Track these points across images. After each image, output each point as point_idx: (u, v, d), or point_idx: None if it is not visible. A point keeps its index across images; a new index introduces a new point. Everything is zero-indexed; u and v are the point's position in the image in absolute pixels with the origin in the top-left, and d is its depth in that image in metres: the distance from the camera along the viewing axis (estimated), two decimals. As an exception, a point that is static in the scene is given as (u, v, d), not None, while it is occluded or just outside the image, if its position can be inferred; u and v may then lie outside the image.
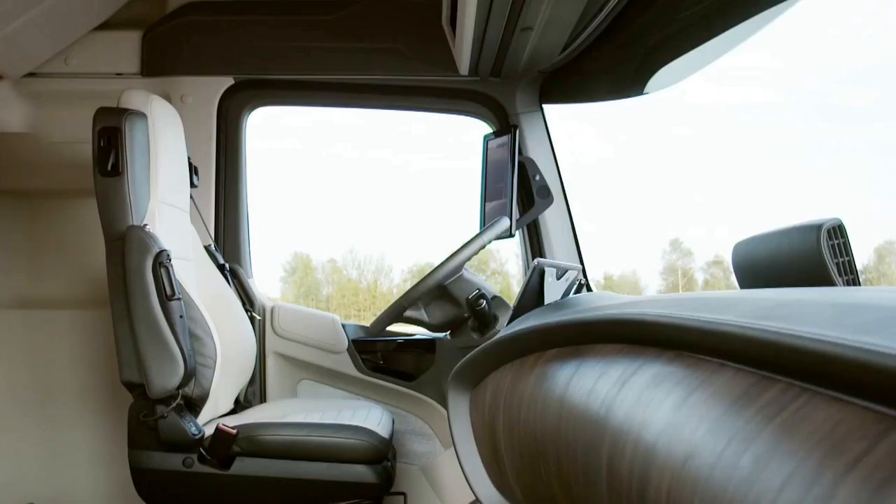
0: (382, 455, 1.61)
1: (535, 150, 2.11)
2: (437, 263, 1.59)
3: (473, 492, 1.06)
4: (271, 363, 2.07)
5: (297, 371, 2.08)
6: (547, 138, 2.13)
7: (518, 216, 1.97)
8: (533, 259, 1.40)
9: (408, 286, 2.45)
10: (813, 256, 0.82)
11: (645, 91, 2.01)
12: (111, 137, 1.55)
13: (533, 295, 1.15)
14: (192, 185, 1.89)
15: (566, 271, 1.21)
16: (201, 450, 1.55)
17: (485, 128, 2.19)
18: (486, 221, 2.01)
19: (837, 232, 0.83)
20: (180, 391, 1.54)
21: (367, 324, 2.12)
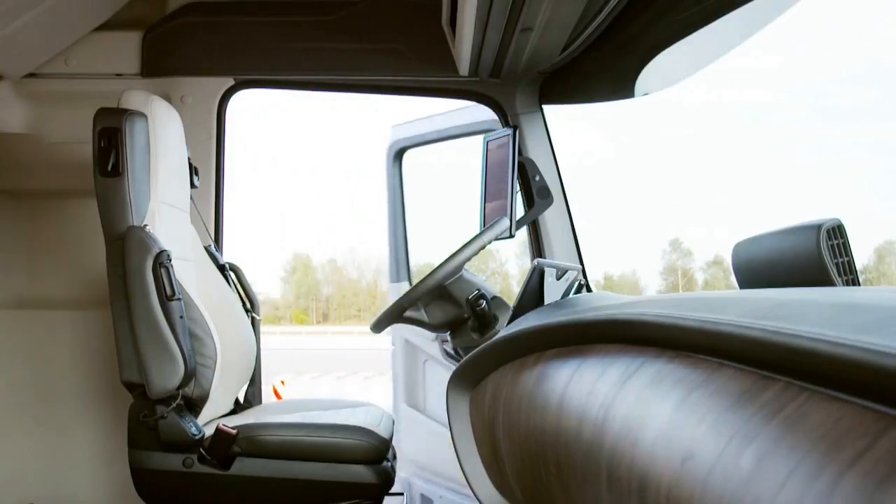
0: (382, 455, 1.61)
1: (535, 151, 2.11)
2: (436, 263, 1.59)
3: (473, 492, 1.06)
4: (400, 347, 2.56)
5: (421, 353, 2.50)
6: (547, 139, 2.13)
7: (518, 217, 1.97)
8: (533, 259, 1.40)
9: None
10: (813, 257, 0.82)
11: (645, 91, 2.01)
12: (111, 138, 1.55)
13: (533, 295, 1.16)
14: (192, 185, 1.89)
15: (566, 272, 1.21)
16: (201, 450, 1.55)
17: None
18: (485, 222, 2.01)
19: (837, 232, 0.83)
20: (180, 391, 1.54)
21: (368, 324, 2.14)
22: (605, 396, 0.63)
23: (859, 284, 0.84)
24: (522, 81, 2.11)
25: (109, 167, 1.55)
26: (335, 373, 11.72)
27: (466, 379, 1.09)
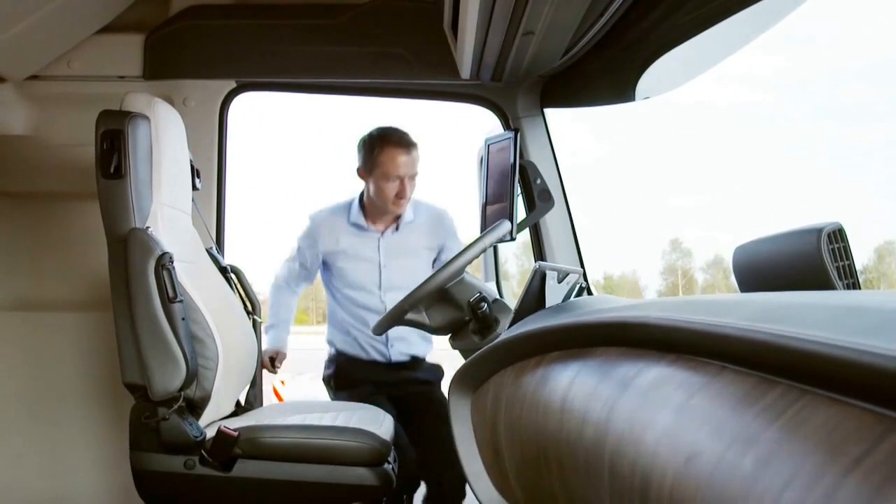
0: (383, 457, 1.61)
1: (537, 154, 2.11)
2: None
3: (474, 493, 1.07)
4: None
5: None
6: (548, 142, 2.14)
7: (519, 220, 1.97)
8: (535, 262, 1.40)
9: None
10: (813, 260, 0.82)
11: (646, 95, 2.02)
12: (114, 140, 1.55)
13: (534, 298, 1.16)
14: (194, 187, 1.89)
15: (567, 274, 1.21)
16: (203, 452, 1.56)
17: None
18: (486, 225, 2.01)
19: (837, 236, 0.83)
20: (182, 393, 1.54)
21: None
22: (608, 398, 0.63)
23: (860, 288, 0.85)
24: (524, 85, 2.11)
25: (112, 169, 1.55)
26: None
27: (468, 381, 1.09)
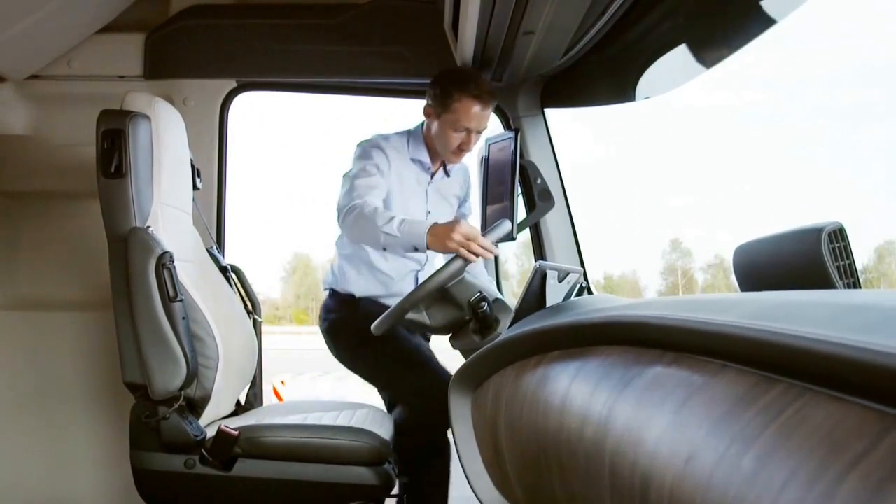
0: (383, 457, 1.61)
1: (537, 154, 2.11)
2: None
3: (474, 492, 1.07)
4: None
5: None
6: (548, 142, 2.14)
7: (519, 219, 1.97)
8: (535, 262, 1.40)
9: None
10: (814, 260, 0.82)
11: (647, 95, 2.02)
12: (115, 139, 1.55)
13: (535, 297, 1.16)
14: (195, 187, 1.90)
15: (568, 274, 1.22)
16: (203, 451, 1.56)
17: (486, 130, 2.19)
18: (487, 225, 2.01)
19: (838, 235, 0.83)
20: (182, 392, 1.54)
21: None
22: (608, 397, 0.63)
23: (860, 287, 0.85)
24: (524, 85, 2.11)
25: (112, 168, 1.56)
26: (335, 373, 11.71)
27: (468, 380, 1.09)
